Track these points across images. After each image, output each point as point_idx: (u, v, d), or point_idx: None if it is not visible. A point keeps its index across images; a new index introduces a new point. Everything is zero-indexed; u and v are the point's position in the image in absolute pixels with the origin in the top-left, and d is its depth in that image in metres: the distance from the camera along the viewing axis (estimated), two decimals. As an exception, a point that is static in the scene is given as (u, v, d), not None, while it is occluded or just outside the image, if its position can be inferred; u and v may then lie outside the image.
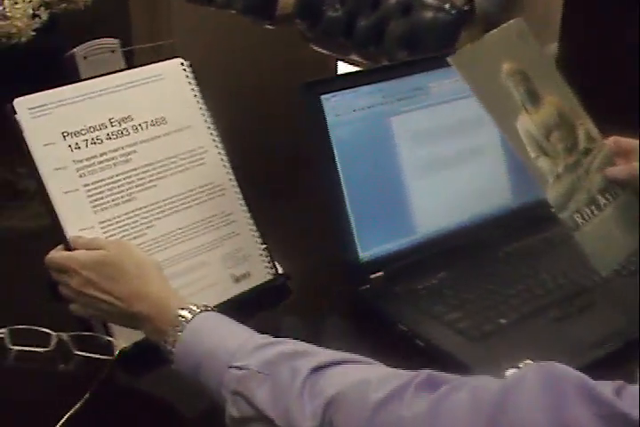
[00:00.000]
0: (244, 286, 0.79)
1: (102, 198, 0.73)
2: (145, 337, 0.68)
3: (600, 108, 0.77)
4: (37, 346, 0.72)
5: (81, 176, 0.73)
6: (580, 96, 0.76)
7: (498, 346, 0.73)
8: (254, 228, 0.81)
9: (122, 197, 0.74)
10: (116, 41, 1.03)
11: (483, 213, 0.87)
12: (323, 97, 0.79)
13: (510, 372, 0.67)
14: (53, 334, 0.72)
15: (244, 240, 0.80)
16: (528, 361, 0.68)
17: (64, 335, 0.72)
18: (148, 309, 0.64)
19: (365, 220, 0.81)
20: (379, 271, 0.82)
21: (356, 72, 0.89)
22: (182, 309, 0.63)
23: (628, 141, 0.75)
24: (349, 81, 0.81)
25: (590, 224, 0.71)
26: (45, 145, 0.71)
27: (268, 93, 1.26)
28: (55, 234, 0.71)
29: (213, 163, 0.79)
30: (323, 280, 0.85)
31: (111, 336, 0.71)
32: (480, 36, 0.70)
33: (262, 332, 0.63)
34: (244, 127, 0.79)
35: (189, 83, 0.80)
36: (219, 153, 0.80)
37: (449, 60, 0.68)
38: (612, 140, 0.75)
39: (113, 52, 1.02)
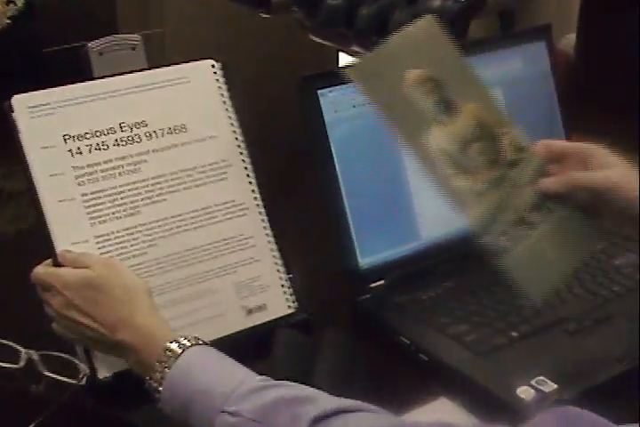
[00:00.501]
0: (257, 320, 0.76)
1: (101, 210, 0.71)
2: (125, 369, 0.66)
3: (620, 100, 0.75)
4: (9, 362, 0.71)
5: (80, 184, 0.70)
6: (600, 88, 0.73)
7: (508, 361, 0.72)
8: (277, 254, 0.77)
9: (124, 210, 0.71)
10: (138, 37, 1.00)
11: None
12: (320, 92, 0.78)
13: (521, 389, 0.67)
14: (23, 351, 0.71)
15: (264, 268, 0.76)
16: (540, 378, 0.68)
17: (33, 354, 0.71)
18: (132, 338, 0.62)
19: (366, 224, 0.80)
20: (379, 280, 0.81)
21: None
22: (171, 341, 0.60)
23: (560, 144, 0.69)
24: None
25: (520, 246, 0.66)
26: (43, 148, 0.69)
27: (264, 88, 1.25)
28: (43, 244, 0.70)
29: (237, 178, 0.76)
30: (320, 288, 0.84)
31: (92, 362, 0.69)
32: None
33: (256, 347, 0.61)
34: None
35: (219, 88, 0.77)
36: (245, 168, 0.77)
37: (345, 73, 0.66)
38: (541, 146, 0.67)
39: (134, 49, 0.98)
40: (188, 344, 0.60)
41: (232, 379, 0.57)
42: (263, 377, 0.59)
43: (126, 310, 0.63)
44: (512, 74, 0.90)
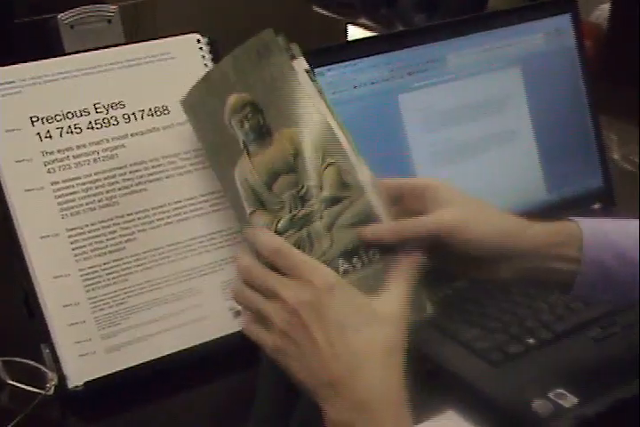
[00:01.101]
0: None
1: (74, 201, 0.70)
2: (98, 377, 0.66)
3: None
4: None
5: (49, 172, 0.69)
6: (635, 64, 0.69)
7: (525, 372, 0.71)
8: None
9: (99, 200, 0.70)
10: (113, 8, 0.97)
11: (510, 211, 0.82)
12: (317, 71, 0.76)
13: (537, 403, 0.66)
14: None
15: None
16: (559, 391, 0.67)
17: (-7, 360, 0.70)
18: (368, 389, 0.53)
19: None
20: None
21: (358, 40, 0.86)
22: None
23: (396, 183, 0.62)
24: (349, 51, 0.79)
25: None
26: (8, 131, 0.68)
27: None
28: (8, 239, 0.68)
29: None
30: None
31: (61, 369, 0.68)
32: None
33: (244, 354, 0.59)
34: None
35: (206, 65, 0.75)
36: None
37: (180, 103, 0.65)
38: (386, 182, 0.60)
39: (109, 21, 0.95)
40: None
41: None
42: None
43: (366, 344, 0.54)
44: (533, 49, 0.89)
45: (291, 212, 0.59)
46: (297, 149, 0.59)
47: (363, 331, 0.54)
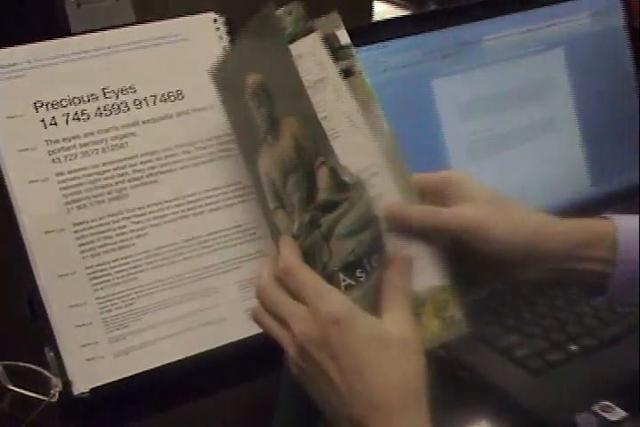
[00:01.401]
0: None
1: (80, 193, 0.69)
2: (105, 384, 0.65)
3: None
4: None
5: (54, 161, 0.68)
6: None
7: (567, 381, 0.69)
8: None
9: (108, 192, 0.69)
10: None
11: (551, 206, 0.84)
12: None
13: (581, 417, 0.65)
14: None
15: None
16: (605, 403, 0.65)
17: (-5, 364, 0.70)
18: None
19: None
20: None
21: (388, 20, 0.85)
22: None
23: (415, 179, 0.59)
24: (378, 32, 0.78)
25: None
26: (10, 118, 0.68)
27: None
28: (9, 234, 0.67)
29: None
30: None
31: (66, 375, 0.67)
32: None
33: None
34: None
35: (223, 47, 0.74)
36: None
37: (209, 73, 0.63)
38: (388, 207, 0.57)
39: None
40: None
41: None
42: None
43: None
44: (577, 30, 0.88)
45: (300, 216, 0.56)
46: (298, 143, 0.56)
47: (378, 366, 0.52)
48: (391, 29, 0.79)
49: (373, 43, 0.76)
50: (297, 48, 0.57)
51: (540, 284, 0.64)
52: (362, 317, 0.52)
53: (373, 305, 0.54)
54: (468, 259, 0.59)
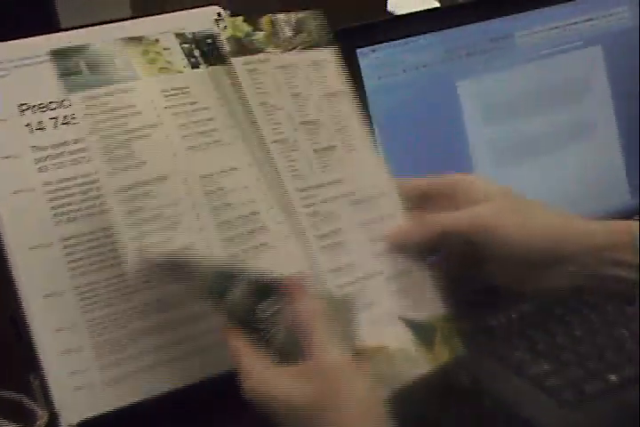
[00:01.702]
0: None
1: (69, 204, 0.66)
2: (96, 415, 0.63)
3: None
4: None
5: (41, 170, 0.65)
6: None
7: (604, 415, 0.68)
8: None
9: (99, 204, 0.66)
10: None
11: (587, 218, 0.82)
12: (359, 51, 0.75)
13: None
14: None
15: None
16: None
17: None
18: None
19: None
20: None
21: (408, 15, 0.84)
22: None
23: (423, 182, 0.63)
24: (398, 27, 0.77)
25: None
26: None
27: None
28: None
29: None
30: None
31: (52, 405, 0.65)
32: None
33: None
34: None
35: None
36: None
37: None
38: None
39: None
40: None
41: None
42: None
43: None
44: (617, 25, 0.86)
45: None
46: None
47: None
48: (411, 25, 0.78)
49: (392, 40, 0.76)
50: (319, 55, 0.62)
51: (563, 292, 0.62)
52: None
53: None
54: (485, 264, 0.59)
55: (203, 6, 0.72)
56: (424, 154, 0.78)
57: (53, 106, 0.67)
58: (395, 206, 0.61)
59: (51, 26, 0.84)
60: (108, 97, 0.61)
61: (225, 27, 0.62)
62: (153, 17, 0.71)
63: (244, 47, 0.64)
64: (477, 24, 0.80)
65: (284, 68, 0.64)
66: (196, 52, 0.63)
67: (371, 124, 0.74)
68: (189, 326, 0.69)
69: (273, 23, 0.64)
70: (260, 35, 0.64)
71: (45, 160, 0.66)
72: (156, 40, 0.62)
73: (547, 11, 0.82)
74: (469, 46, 0.80)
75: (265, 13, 0.62)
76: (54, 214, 0.66)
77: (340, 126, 0.62)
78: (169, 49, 0.63)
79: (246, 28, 0.64)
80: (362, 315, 0.59)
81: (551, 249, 0.58)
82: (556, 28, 0.82)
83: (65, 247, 0.66)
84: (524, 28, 0.81)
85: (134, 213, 0.59)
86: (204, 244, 0.59)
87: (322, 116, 0.64)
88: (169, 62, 0.63)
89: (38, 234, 0.65)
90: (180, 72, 0.61)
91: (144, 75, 0.61)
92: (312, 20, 0.62)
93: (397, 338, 0.61)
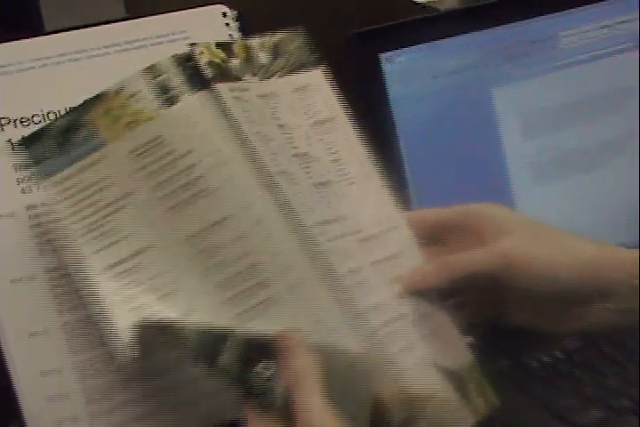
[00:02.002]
0: None
1: (55, 231, 0.64)
2: None
3: None
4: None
5: (24, 192, 0.64)
6: None
7: None
8: None
9: (90, 230, 0.63)
10: None
11: (632, 243, 0.77)
12: (382, 56, 0.74)
13: None
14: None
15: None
16: None
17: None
18: None
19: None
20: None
21: (438, 15, 0.84)
22: None
23: (435, 214, 0.62)
24: (426, 29, 0.76)
25: None
26: None
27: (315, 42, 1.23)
28: None
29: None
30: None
31: None
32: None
33: None
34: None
35: None
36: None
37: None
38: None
39: None
40: None
41: None
42: None
43: None
44: None
45: None
46: None
47: None
48: (442, 26, 0.77)
49: (420, 43, 0.74)
50: (303, 79, 0.59)
51: (605, 331, 0.61)
52: None
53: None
54: (514, 306, 0.58)
55: (206, 5, 0.70)
56: (454, 171, 0.77)
57: (37, 120, 0.67)
58: (407, 243, 0.60)
59: (33, 28, 0.82)
60: (80, 175, 0.58)
61: (202, 51, 0.58)
62: (152, 17, 0.70)
63: (225, 73, 0.60)
64: (516, 24, 0.78)
65: (265, 98, 0.60)
66: (176, 81, 0.57)
67: (395, 133, 0.74)
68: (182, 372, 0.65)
69: (247, 49, 0.60)
70: (235, 62, 0.60)
71: (29, 180, 0.64)
72: (120, 89, 0.57)
73: (594, 8, 0.80)
74: (507, 49, 0.78)
75: (247, 38, 0.60)
76: (38, 243, 0.64)
77: (332, 158, 0.59)
78: (135, 95, 0.58)
79: (221, 53, 0.60)
80: (397, 360, 0.55)
81: (586, 281, 0.56)
82: (606, 27, 0.80)
83: (50, 280, 0.64)
84: (569, 28, 0.79)
85: (125, 288, 0.56)
86: (204, 309, 0.56)
87: (311, 148, 0.59)
88: (137, 112, 0.58)
89: (20, 265, 0.63)
90: (151, 118, 0.57)
91: (109, 139, 0.57)
92: (291, 42, 0.60)
93: (440, 387, 0.57)
